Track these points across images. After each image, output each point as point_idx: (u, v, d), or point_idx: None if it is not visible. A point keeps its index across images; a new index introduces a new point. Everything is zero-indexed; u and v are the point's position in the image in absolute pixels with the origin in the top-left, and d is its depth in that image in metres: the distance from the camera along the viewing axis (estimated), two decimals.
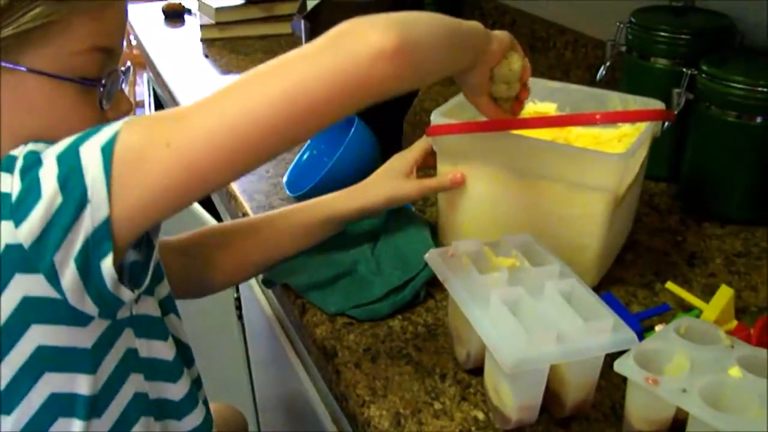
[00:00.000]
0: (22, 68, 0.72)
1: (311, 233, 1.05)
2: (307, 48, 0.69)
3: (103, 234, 0.66)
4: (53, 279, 0.66)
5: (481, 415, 0.83)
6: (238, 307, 1.46)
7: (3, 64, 0.72)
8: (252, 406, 1.63)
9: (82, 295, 0.68)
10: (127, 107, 0.83)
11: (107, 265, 0.67)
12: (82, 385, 0.74)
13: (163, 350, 0.85)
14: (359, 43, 0.67)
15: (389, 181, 1.07)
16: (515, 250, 0.90)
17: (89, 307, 0.69)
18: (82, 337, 0.73)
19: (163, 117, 0.69)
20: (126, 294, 0.71)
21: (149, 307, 0.82)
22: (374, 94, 0.71)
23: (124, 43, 0.84)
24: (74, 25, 0.73)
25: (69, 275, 0.66)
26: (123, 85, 0.84)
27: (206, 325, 1.67)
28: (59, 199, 0.65)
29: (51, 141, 0.71)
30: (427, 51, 0.75)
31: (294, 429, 1.33)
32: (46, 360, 0.71)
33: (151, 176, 0.66)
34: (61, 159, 0.66)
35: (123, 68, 0.84)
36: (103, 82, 0.78)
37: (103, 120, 0.78)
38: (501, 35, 0.92)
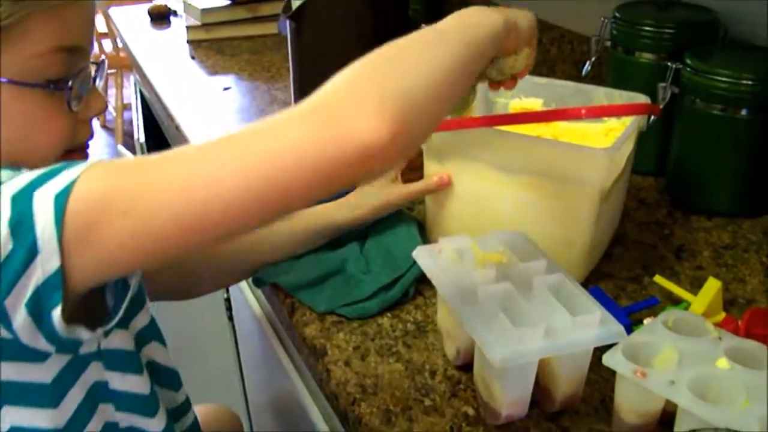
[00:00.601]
0: None
1: (301, 242, 1.05)
2: (289, 122, 0.61)
3: (54, 284, 0.61)
4: (4, 321, 0.62)
5: (471, 411, 0.83)
6: (229, 308, 1.46)
7: None
8: (244, 407, 1.63)
9: (35, 335, 0.64)
10: (100, 106, 0.82)
11: (57, 314, 0.62)
12: (43, 419, 0.72)
13: (137, 384, 0.82)
14: (347, 131, 0.59)
15: (376, 189, 1.06)
16: (502, 246, 0.90)
17: (44, 346, 0.66)
18: (40, 373, 0.71)
19: (127, 174, 0.62)
20: (85, 334, 0.68)
21: (122, 341, 0.80)
22: (360, 181, 0.69)
23: (94, 39, 0.82)
24: (32, 27, 0.70)
25: (20, 319, 0.62)
26: (96, 82, 0.82)
27: (197, 327, 1.67)
28: (10, 245, 0.60)
29: (21, 163, 0.69)
30: (432, 110, 0.66)
31: (286, 428, 1.33)
32: (3, 394, 0.70)
33: (104, 241, 0.61)
34: (14, 201, 0.61)
35: (96, 63, 0.83)
36: (70, 83, 0.75)
37: (77, 123, 0.78)
38: (523, 27, 0.82)
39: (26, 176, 0.63)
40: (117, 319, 0.73)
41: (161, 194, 0.60)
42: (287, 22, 1.27)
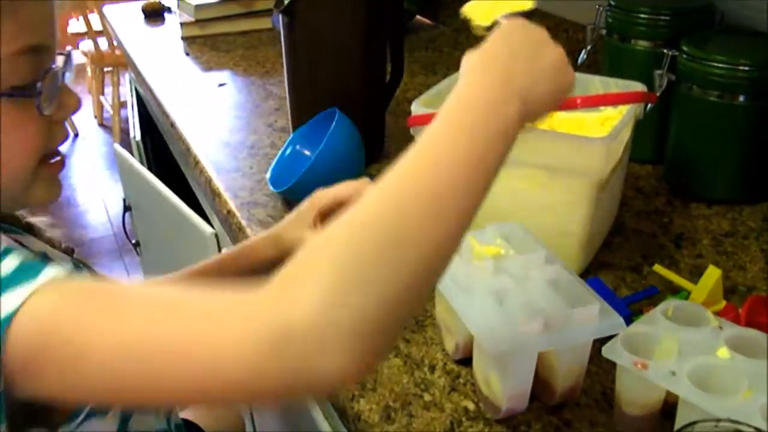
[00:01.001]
0: None
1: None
2: (247, 338, 0.51)
3: None
4: None
5: (471, 406, 0.83)
6: None
7: None
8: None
9: None
10: (73, 103, 0.75)
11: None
12: None
13: None
14: (309, 372, 0.50)
15: (293, 232, 0.98)
16: (500, 238, 0.89)
17: None
18: None
19: (77, 313, 0.57)
20: None
21: (101, 426, 0.76)
22: None
23: (58, 34, 0.73)
24: None
25: None
26: (66, 78, 0.76)
27: None
28: None
29: None
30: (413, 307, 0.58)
31: (288, 427, 1.33)
32: None
33: (44, 384, 0.57)
34: None
35: (63, 55, 0.76)
36: (39, 86, 0.69)
37: (48, 128, 0.72)
38: (543, 108, 0.70)
39: None
40: (79, 420, 0.70)
41: (105, 345, 0.55)
42: (279, 16, 1.26)
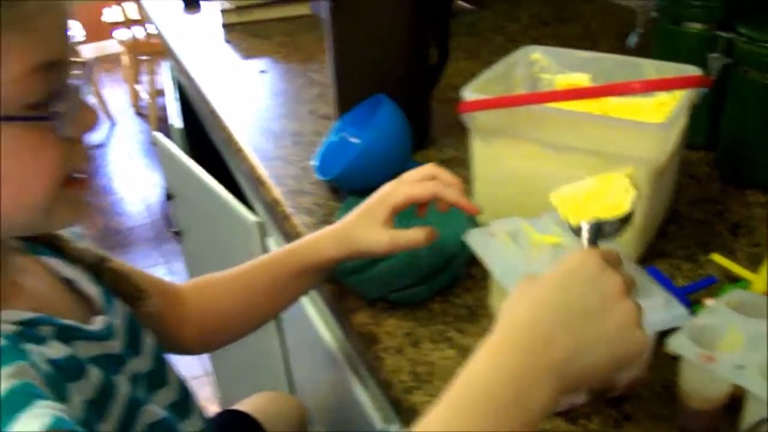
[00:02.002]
0: None
1: (286, 288, 0.99)
2: None
3: None
4: None
5: None
6: None
7: None
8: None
9: None
10: (91, 120, 0.70)
11: None
12: None
13: None
14: None
15: (361, 230, 0.93)
16: (557, 227, 0.87)
17: None
18: None
19: None
20: None
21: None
22: None
23: (71, 46, 0.69)
24: (4, 48, 0.60)
25: None
26: (83, 93, 0.71)
27: None
28: None
29: (14, 208, 0.65)
30: None
31: (336, 416, 1.32)
32: None
33: None
34: None
35: (80, 67, 0.70)
36: (55, 106, 0.65)
37: (69, 147, 0.68)
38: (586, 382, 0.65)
39: None
40: None
41: None
42: (326, 2, 1.24)
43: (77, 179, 0.71)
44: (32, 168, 0.65)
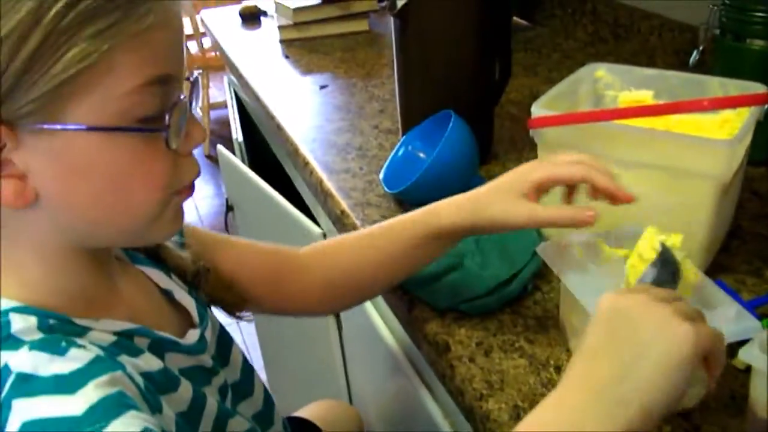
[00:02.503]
0: (68, 128, 0.61)
1: (407, 254, 0.96)
2: None
3: None
4: None
5: None
6: None
7: (44, 127, 0.60)
8: (348, 402, 1.65)
9: None
10: (200, 135, 0.71)
11: None
12: None
13: None
14: None
15: (495, 200, 0.89)
16: (628, 241, 0.89)
17: None
18: None
19: None
20: None
21: None
22: None
23: (186, 63, 0.70)
24: (119, 61, 0.61)
25: None
26: (193, 107, 0.73)
27: (300, 323, 1.69)
28: None
29: (117, 221, 0.67)
30: None
31: (397, 425, 1.34)
32: None
33: None
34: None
35: (191, 80, 0.73)
36: (167, 120, 0.66)
37: (175, 161, 0.69)
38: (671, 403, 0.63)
39: (39, 407, 0.59)
40: None
41: None
42: (392, 20, 1.27)
43: (182, 193, 0.72)
44: (141, 179, 0.66)
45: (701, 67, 1.34)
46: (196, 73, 0.76)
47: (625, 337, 0.64)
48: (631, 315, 0.65)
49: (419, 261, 0.98)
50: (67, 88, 0.59)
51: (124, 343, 0.71)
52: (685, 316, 0.64)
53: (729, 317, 0.76)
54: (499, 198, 0.89)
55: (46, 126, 0.60)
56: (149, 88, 0.63)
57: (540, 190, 0.89)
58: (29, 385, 0.60)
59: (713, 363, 0.67)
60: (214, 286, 0.92)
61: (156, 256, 0.87)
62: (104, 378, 0.61)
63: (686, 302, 0.68)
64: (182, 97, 0.69)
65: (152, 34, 0.62)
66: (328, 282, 1.01)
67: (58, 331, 0.65)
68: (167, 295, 0.86)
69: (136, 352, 0.71)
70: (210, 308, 0.92)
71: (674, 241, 0.83)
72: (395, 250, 0.96)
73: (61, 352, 0.62)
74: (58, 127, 0.61)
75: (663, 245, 0.80)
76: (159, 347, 0.76)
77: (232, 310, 0.96)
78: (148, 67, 0.63)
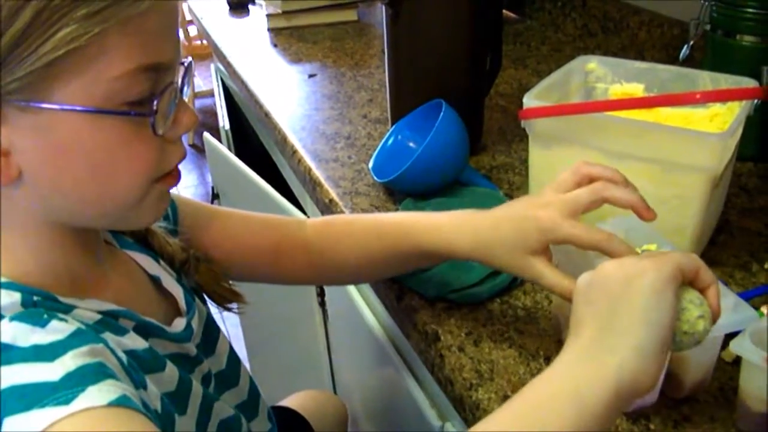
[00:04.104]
0: (54, 107, 0.60)
1: (401, 260, 0.95)
2: None
3: None
4: None
5: None
6: (320, 294, 1.47)
7: (30, 104, 0.60)
8: (332, 392, 1.65)
9: None
10: (190, 121, 0.71)
11: None
12: None
13: None
14: None
15: (506, 249, 0.83)
16: (622, 232, 0.89)
17: None
18: None
19: None
20: None
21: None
22: None
23: (180, 49, 0.69)
24: (110, 45, 0.60)
25: None
26: (184, 92, 0.72)
27: (285, 312, 1.69)
28: None
29: (101, 201, 0.67)
30: None
31: (383, 414, 1.34)
32: None
33: None
34: None
35: (184, 65, 0.72)
36: (155, 105, 0.65)
37: (162, 147, 0.68)
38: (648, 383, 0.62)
39: (16, 374, 0.58)
40: None
41: None
42: (383, 8, 1.27)
43: (167, 174, 0.71)
44: (125, 163, 0.66)
45: (690, 63, 1.35)
46: (189, 58, 0.75)
47: (599, 299, 0.65)
48: (603, 280, 0.66)
49: (418, 265, 0.98)
50: (55, 68, 0.59)
51: (109, 321, 0.71)
52: (646, 257, 0.65)
53: (727, 307, 0.75)
54: (507, 248, 0.83)
55: (32, 104, 0.60)
56: (140, 73, 0.62)
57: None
58: (8, 354, 0.59)
59: (702, 283, 0.68)
60: (205, 277, 0.91)
61: (145, 241, 0.86)
62: (84, 348, 0.61)
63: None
64: (173, 82, 0.68)
65: (146, 20, 0.61)
66: (327, 264, 1.00)
67: (41, 308, 0.65)
68: (155, 281, 0.85)
69: (121, 332, 0.71)
70: (197, 296, 0.91)
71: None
72: (398, 251, 0.94)
73: (42, 324, 0.62)
74: (45, 105, 0.60)
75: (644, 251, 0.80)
76: (144, 331, 0.75)
77: (221, 302, 0.95)
78: (140, 53, 0.62)
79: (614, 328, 0.62)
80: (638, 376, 0.61)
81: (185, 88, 0.72)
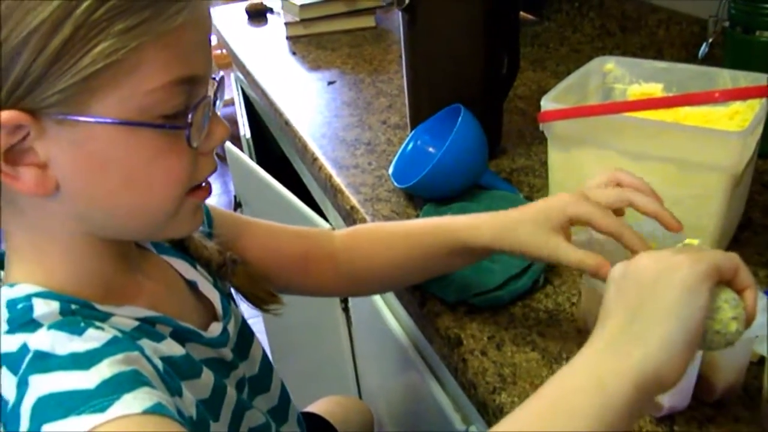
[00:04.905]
0: (91, 120, 0.61)
1: (433, 261, 0.95)
2: None
3: None
4: None
5: None
6: (344, 300, 1.48)
7: (68, 118, 0.61)
8: (357, 397, 1.65)
9: None
10: (222, 134, 0.72)
11: None
12: None
13: None
14: None
15: (528, 230, 0.84)
16: (646, 234, 0.89)
17: None
18: None
19: None
20: None
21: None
22: None
23: (213, 63, 0.70)
24: (146, 59, 0.61)
25: None
26: (217, 105, 0.73)
27: (309, 318, 1.70)
28: None
29: (132, 214, 0.68)
30: None
31: (407, 418, 1.35)
32: None
33: None
34: (34, 415, 0.59)
35: (216, 79, 0.73)
36: (190, 118, 0.66)
37: (195, 159, 0.70)
38: (672, 376, 0.61)
39: (54, 382, 0.60)
40: None
41: None
42: (400, 14, 1.27)
43: (200, 187, 0.73)
44: (160, 175, 0.67)
45: (710, 60, 1.34)
46: (221, 72, 0.76)
47: (630, 290, 0.65)
48: (636, 272, 0.65)
49: (445, 269, 0.98)
50: (93, 82, 0.60)
51: (146, 328, 0.72)
52: (684, 252, 0.65)
53: (760, 308, 0.74)
54: (529, 228, 0.84)
55: (70, 117, 0.61)
56: (175, 86, 0.64)
57: (572, 224, 0.84)
58: (46, 362, 0.61)
59: (740, 284, 0.66)
60: (242, 279, 0.92)
61: (181, 246, 0.87)
62: (119, 356, 0.62)
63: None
64: (207, 95, 0.69)
65: (181, 34, 0.62)
66: (354, 274, 1.01)
67: (79, 316, 0.66)
68: (192, 286, 0.86)
69: (158, 338, 0.72)
70: (234, 300, 0.92)
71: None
72: (424, 252, 0.95)
73: (79, 332, 0.63)
74: (82, 119, 0.61)
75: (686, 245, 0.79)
76: (181, 336, 0.76)
77: (259, 304, 0.96)
78: (175, 66, 0.63)
79: (642, 320, 0.62)
80: (662, 370, 0.60)
81: (218, 102, 0.73)
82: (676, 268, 0.63)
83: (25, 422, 0.58)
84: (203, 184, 0.73)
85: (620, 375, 0.59)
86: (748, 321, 0.66)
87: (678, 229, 0.80)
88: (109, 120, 0.62)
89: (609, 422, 0.57)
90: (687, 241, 0.81)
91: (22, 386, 0.60)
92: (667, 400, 0.78)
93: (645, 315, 0.62)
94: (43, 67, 0.58)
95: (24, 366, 0.61)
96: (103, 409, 0.57)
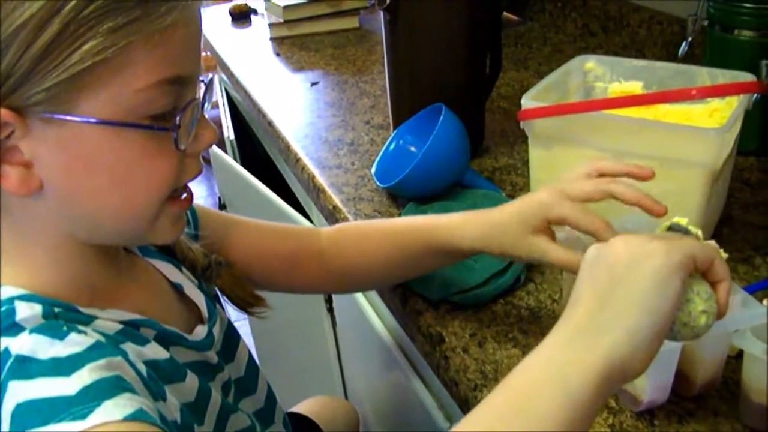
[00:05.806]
0: (77, 119, 0.61)
1: (416, 260, 0.95)
2: None
3: None
4: None
5: None
6: (328, 300, 1.48)
7: (54, 116, 0.60)
8: (343, 397, 1.65)
9: None
10: (210, 137, 0.71)
11: None
12: None
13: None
14: None
15: (508, 231, 0.84)
16: (631, 230, 0.89)
17: None
18: None
19: None
20: None
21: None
22: None
23: (201, 64, 0.69)
24: (135, 58, 0.60)
25: None
26: (205, 108, 0.72)
27: (292, 318, 1.70)
28: None
29: (115, 215, 0.67)
30: None
31: (392, 417, 1.35)
32: None
33: None
34: (14, 419, 0.58)
35: (205, 81, 0.72)
36: (177, 120, 0.65)
37: (182, 162, 0.69)
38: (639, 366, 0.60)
39: (34, 388, 0.59)
40: None
41: None
42: (381, 13, 1.28)
43: (181, 196, 0.72)
44: (145, 176, 0.66)
45: (690, 59, 1.35)
46: (211, 74, 0.76)
47: (601, 274, 0.64)
48: (609, 255, 0.64)
49: (430, 268, 0.98)
50: (80, 80, 0.59)
51: (130, 331, 0.71)
52: (660, 239, 0.64)
53: (735, 304, 0.75)
54: (509, 230, 0.84)
55: (56, 116, 0.60)
56: (163, 87, 0.63)
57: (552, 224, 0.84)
58: (27, 367, 0.60)
59: (714, 276, 0.65)
60: (227, 281, 0.92)
61: (167, 248, 0.87)
62: (101, 362, 0.62)
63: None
64: (196, 97, 0.68)
65: (171, 34, 0.62)
66: (341, 271, 1.01)
67: (62, 319, 0.65)
68: (177, 289, 0.86)
69: (141, 341, 0.71)
70: (219, 303, 0.92)
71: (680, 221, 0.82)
72: (409, 249, 0.95)
73: (61, 336, 0.62)
74: (68, 118, 0.60)
75: (674, 223, 0.79)
76: (165, 340, 0.76)
77: (244, 307, 0.96)
78: (163, 66, 0.62)
79: (611, 308, 0.61)
80: (628, 363, 0.59)
81: (206, 104, 0.72)
82: (649, 256, 0.62)
83: (5, 426, 0.58)
84: (184, 194, 0.73)
85: (585, 369, 0.58)
86: (719, 315, 0.66)
87: (662, 213, 0.79)
88: (96, 120, 0.61)
89: (571, 418, 0.56)
90: (675, 219, 0.80)
91: (2, 391, 0.59)
92: (647, 395, 0.79)
93: (614, 303, 0.61)
94: (30, 64, 0.58)
95: (5, 370, 0.60)
96: (83, 417, 0.57)
